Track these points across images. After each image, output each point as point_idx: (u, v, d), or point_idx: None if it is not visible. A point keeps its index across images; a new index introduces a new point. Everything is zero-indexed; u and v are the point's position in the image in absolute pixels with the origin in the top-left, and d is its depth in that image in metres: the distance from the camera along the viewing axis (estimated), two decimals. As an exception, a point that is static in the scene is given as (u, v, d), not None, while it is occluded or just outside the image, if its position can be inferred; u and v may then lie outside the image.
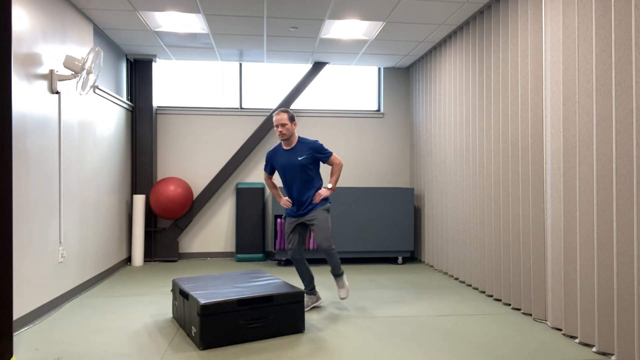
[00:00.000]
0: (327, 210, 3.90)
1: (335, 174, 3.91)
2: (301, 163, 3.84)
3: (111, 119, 5.45)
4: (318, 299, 4.05)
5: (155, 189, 5.96)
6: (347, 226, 5.95)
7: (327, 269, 5.75)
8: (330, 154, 3.91)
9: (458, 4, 4.39)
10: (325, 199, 3.92)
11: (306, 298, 3.96)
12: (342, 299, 3.92)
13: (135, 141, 6.22)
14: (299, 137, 3.93)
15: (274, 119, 3.84)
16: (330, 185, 3.88)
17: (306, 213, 3.88)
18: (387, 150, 6.85)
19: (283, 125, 3.80)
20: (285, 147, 3.92)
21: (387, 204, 6.03)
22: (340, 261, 3.91)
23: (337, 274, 3.93)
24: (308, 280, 3.99)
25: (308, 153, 3.85)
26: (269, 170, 4.05)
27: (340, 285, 3.94)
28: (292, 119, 3.86)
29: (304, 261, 3.97)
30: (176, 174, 6.51)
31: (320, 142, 3.91)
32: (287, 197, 3.95)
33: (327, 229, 3.82)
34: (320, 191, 3.87)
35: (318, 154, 3.88)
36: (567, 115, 3.27)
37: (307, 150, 3.86)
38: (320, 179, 3.97)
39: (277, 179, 6.50)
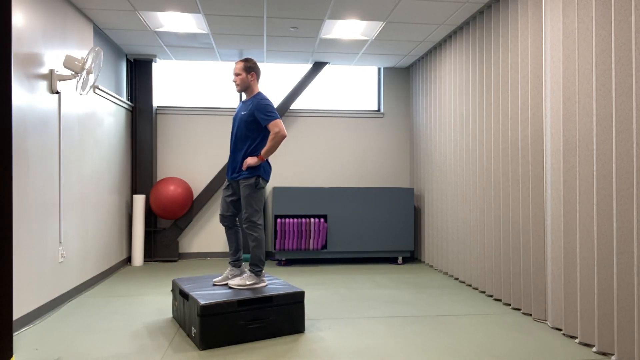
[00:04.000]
0: (252, 186, 3.46)
1: (269, 143, 3.43)
2: (242, 118, 3.51)
3: (111, 119, 5.45)
4: (242, 272, 3.63)
5: (155, 189, 5.96)
6: (347, 226, 5.95)
7: (325, 269, 5.75)
8: (273, 118, 3.44)
9: (458, 4, 4.39)
10: (254, 170, 3.47)
11: (230, 270, 3.63)
12: (227, 284, 3.51)
13: (135, 141, 6.22)
14: (258, 93, 3.58)
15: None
16: (259, 154, 3.48)
17: (233, 179, 3.56)
18: (387, 150, 6.85)
19: (237, 74, 3.56)
20: (244, 99, 3.65)
21: (387, 204, 6.03)
22: (262, 253, 3.50)
23: (253, 268, 3.51)
24: (234, 249, 3.68)
25: (250, 109, 3.48)
26: None
27: (241, 272, 3.60)
28: (248, 69, 3.55)
29: (233, 229, 3.68)
30: (176, 174, 6.51)
31: (273, 104, 3.54)
32: None
33: (249, 206, 3.46)
34: (247, 159, 3.45)
35: (258, 112, 3.45)
36: (567, 115, 3.27)
37: (251, 105, 3.49)
38: (257, 148, 3.52)
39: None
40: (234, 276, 3.61)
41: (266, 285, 3.53)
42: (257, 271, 3.53)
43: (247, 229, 3.50)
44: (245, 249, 6.08)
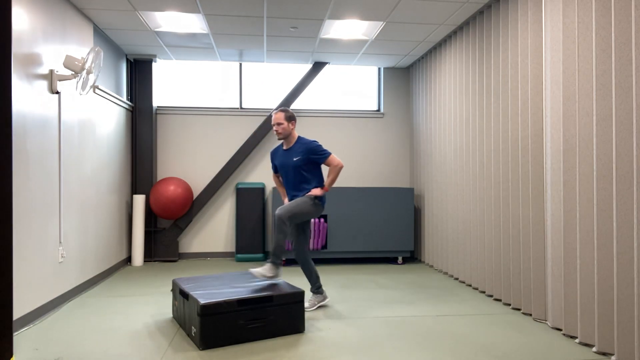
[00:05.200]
0: (312, 199, 3.76)
1: (331, 174, 3.81)
2: (295, 164, 3.81)
3: (111, 119, 5.45)
4: (325, 297, 4.03)
5: (155, 189, 5.96)
6: (347, 226, 5.95)
7: (325, 269, 5.75)
8: (328, 155, 3.82)
9: (458, 4, 4.39)
10: (318, 197, 3.82)
11: (313, 297, 3.97)
12: (251, 271, 3.66)
13: (135, 141, 6.22)
14: (298, 137, 3.91)
15: (273, 117, 3.84)
16: (324, 186, 3.86)
17: None
18: (387, 150, 6.85)
19: (279, 124, 3.81)
20: (284, 147, 3.93)
21: (387, 204, 6.03)
22: (282, 249, 3.68)
23: (273, 259, 3.66)
24: (314, 279, 3.97)
25: (303, 154, 3.80)
26: (274, 168, 4.07)
27: (264, 265, 3.77)
28: (289, 118, 3.84)
29: (307, 262, 3.95)
30: (176, 174, 6.51)
31: (319, 142, 3.87)
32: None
33: (295, 206, 3.68)
34: (313, 190, 3.79)
35: (313, 155, 3.80)
36: (567, 115, 3.27)
37: (302, 151, 3.81)
38: (321, 181, 3.91)
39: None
40: (319, 301, 3.99)
41: (278, 280, 3.68)
42: (272, 264, 3.65)
43: (282, 219, 3.64)
44: (246, 248, 6.08)
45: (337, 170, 3.81)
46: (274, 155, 4.02)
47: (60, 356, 2.92)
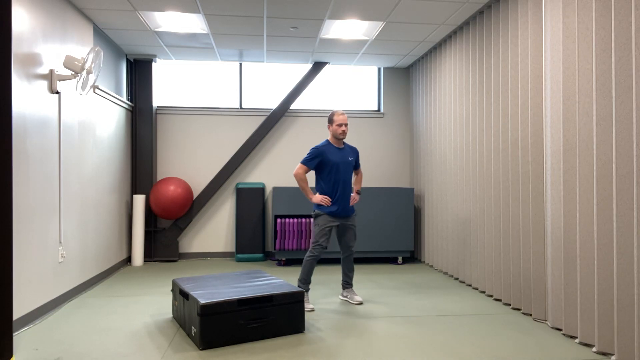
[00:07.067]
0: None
1: (361, 181, 4.30)
2: (349, 163, 4.09)
3: (111, 119, 5.46)
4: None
5: (155, 189, 5.96)
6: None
7: (325, 269, 5.75)
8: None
9: (458, 4, 4.39)
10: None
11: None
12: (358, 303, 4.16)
13: (135, 141, 6.22)
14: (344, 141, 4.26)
15: (340, 117, 4.00)
16: (359, 192, 4.25)
17: (349, 215, 4.10)
18: (387, 150, 6.85)
19: (347, 125, 4.05)
20: (337, 146, 4.09)
21: (387, 204, 6.03)
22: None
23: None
24: (303, 280, 4.05)
25: (355, 155, 4.17)
26: (314, 165, 4.02)
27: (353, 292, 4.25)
28: None
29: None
30: (176, 174, 6.51)
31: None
32: (323, 195, 3.99)
33: (355, 237, 4.19)
34: (354, 195, 4.14)
35: (358, 158, 4.24)
36: (567, 115, 3.27)
37: (353, 152, 4.17)
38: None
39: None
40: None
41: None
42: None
43: (352, 254, 4.20)
44: (246, 248, 6.07)
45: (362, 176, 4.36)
46: (325, 152, 3.99)
47: (60, 356, 2.92)
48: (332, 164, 3.99)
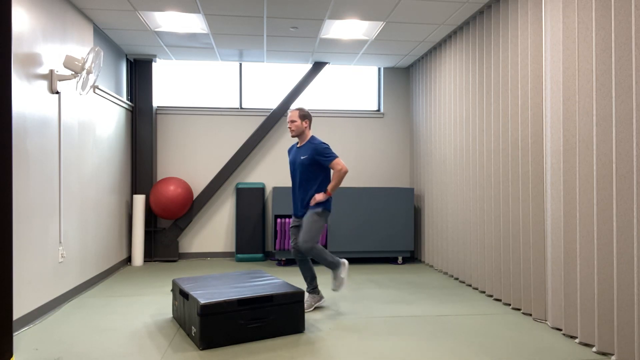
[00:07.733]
0: (318, 214, 3.83)
1: (335, 179, 3.83)
2: (302, 162, 3.90)
3: (111, 119, 5.45)
4: (321, 298, 4.03)
5: (155, 189, 5.96)
6: (347, 226, 5.95)
7: (325, 269, 5.75)
8: (333, 158, 3.83)
9: (458, 4, 4.39)
10: (321, 204, 3.85)
11: (309, 297, 3.97)
12: (332, 290, 3.97)
13: (135, 141, 6.22)
14: (311, 137, 3.98)
15: (288, 114, 4.00)
16: (326, 190, 3.87)
17: (302, 215, 3.94)
18: (387, 150, 6.85)
19: (292, 121, 3.94)
20: (298, 144, 4.04)
21: (387, 204, 6.03)
22: (329, 257, 3.85)
23: (333, 269, 3.90)
24: (310, 279, 3.99)
25: (310, 154, 3.87)
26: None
27: (334, 277, 3.93)
28: (303, 117, 3.96)
29: (305, 260, 3.98)
30: (176, 174, 6.51)
31: (328, 145, 3.94)
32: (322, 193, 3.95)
33: (309, 231, 3.77)
34: (315, 195, 3.83)
35: (318, 156, 3.84)
36: (567, 115, 3.27)
37: (310, 150, 3.88)
38: (324, 184, 3.93)
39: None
40: (315, 302, 3.99)
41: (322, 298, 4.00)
42: (337, 272, 3.90)
43: (307, 248, 3.78)
44: (246, 248, 6.07)
45: (340, 175, 3.81)
46: (289, 151, 4.14)
47: (60, 356, 2.92)
48: (290, 162, 4.07)
